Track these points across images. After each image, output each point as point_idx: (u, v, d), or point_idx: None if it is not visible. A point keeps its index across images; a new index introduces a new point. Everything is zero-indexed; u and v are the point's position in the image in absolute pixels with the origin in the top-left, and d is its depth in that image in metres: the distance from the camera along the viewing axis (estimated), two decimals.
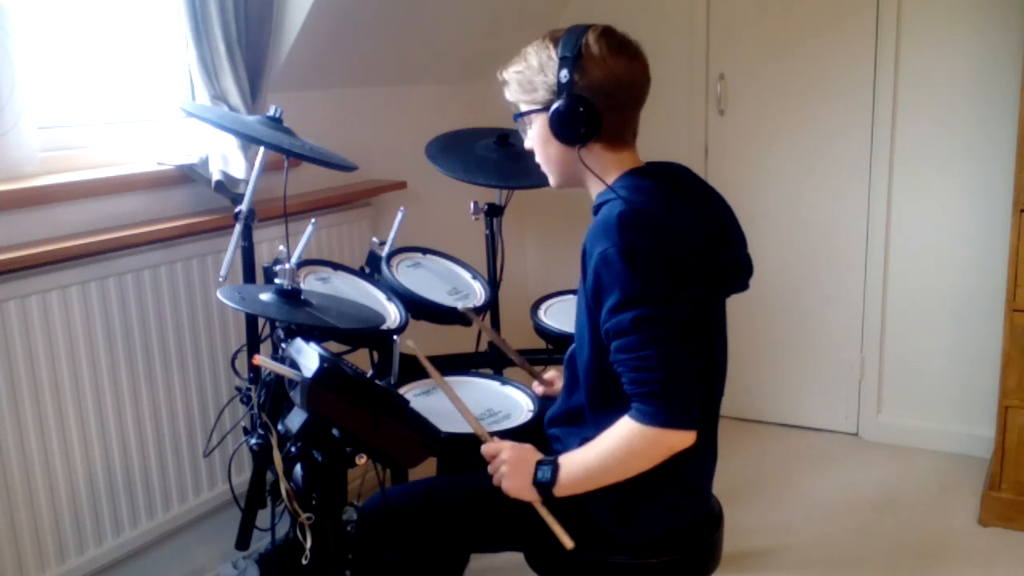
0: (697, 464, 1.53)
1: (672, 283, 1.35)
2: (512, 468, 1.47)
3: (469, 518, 1.55)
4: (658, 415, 1.33)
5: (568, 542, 1.44)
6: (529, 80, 1.45)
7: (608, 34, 1.41)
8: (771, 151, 3.09)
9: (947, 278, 2.90)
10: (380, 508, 1.56)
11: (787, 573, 2.33)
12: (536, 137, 1.50)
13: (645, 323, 1.33)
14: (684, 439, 1.36)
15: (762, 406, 3.28)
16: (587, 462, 1.42)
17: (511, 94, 1.50)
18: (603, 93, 1.40)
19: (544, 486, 1.43)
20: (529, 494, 1.45)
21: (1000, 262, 2.63)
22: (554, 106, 1.41)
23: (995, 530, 2.49)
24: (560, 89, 1.40)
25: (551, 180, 1.55)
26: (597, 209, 1.46)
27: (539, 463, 1.46)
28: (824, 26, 2.92)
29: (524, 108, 1.48)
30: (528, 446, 1.50)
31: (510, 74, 1.48)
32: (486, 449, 1.52)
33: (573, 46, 1.39)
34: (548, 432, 1.62)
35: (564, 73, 1.39)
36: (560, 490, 1.43)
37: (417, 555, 1.56)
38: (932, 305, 2.94)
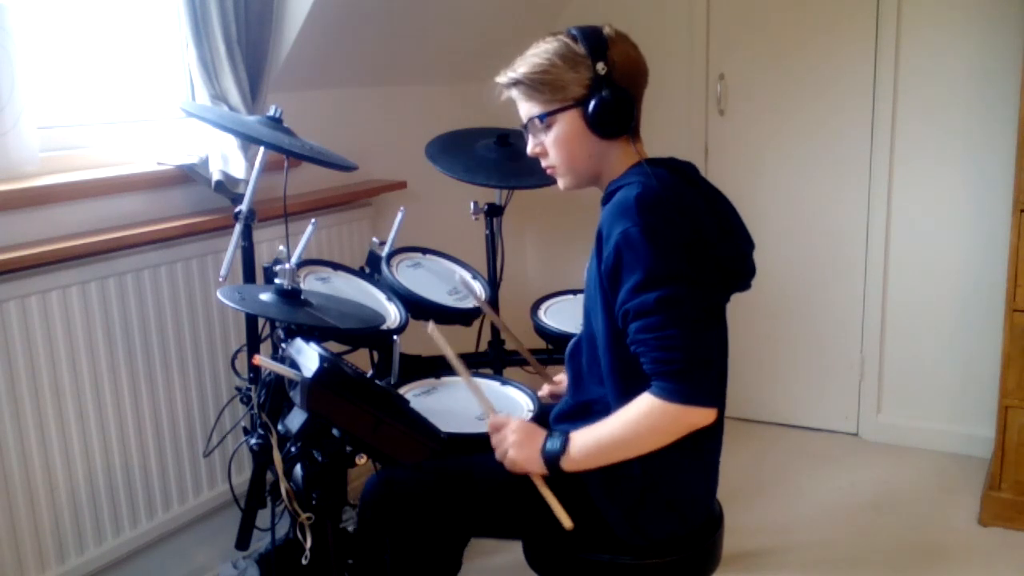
0: (705, 466, 1.54)
1: (693, 264, 1.36)
2: (520, 437, 1.45)
3: (471, 495, 1.54)
4: (681, 392, 1.33)
5: (567, 522, 1.43)
6: (558, 78, 1.41)
7: (614, 27, 1.45)
8: (771, 151, 3.09)
9: (947, 278, 2.90)
10: (381, 487, 1.55)
11: (787, 573, 2.33)
12: (562, 137, 1.45)
13: (669, 303, 1.33)
14: (706, 416, 1.36)
15: (762, 406, 3.28)
16: (601, 436, 1.41)
17: (522, 95, 1.46)
18: (634, 83, 1.43)
19: (553, 455, 1.42)
20: (536, 465, 1.44)
21: (1000, 262, 2.63)
22: (594, 99, 1.40)
23: (995, 530, 2.49)
24: (599, 83, 1.40)
25: (566, 182, 1.51)
26: (608, 197, 1.45)
27: (549, 435, 1.45)
28: (824, 26, 2.92)
29: (546, 108, 1.44)
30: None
31: (524, 74, 1.44)
32: (493, 421, 1.51)
33: (599, 41, 1.41)
34: (555, 428, 1.61)
35: (601, 66, 1.40)
36: (569, 462, 1.42)
37: (417, 536, 1.54)
38: (932, 305, 2.94)
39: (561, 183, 1.52)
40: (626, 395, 1.41)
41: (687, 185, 1.47)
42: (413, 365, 2.06)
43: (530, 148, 1.51)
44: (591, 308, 1.48)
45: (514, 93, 1.48)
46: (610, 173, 1.48)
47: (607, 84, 1.39)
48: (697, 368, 1.34)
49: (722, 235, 1.45)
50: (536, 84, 1.43)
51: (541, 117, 1.45)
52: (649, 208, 1.35)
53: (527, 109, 1.47)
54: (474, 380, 1.61)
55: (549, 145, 1.47)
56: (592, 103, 1.40)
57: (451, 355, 1.57)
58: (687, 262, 1.36)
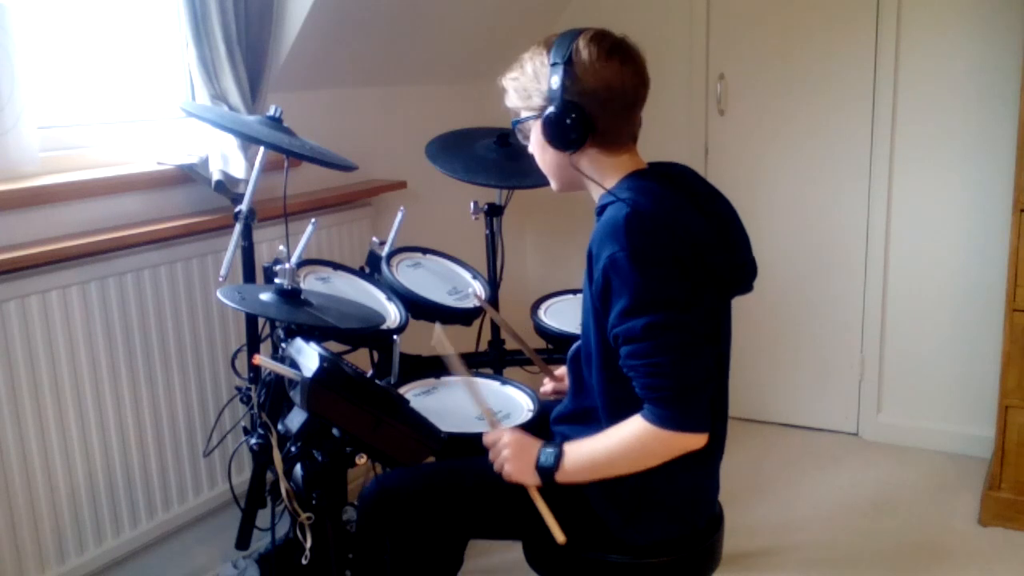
0: (705, 469, 1.54)
1: (682, 286, 1.35)
2: (515, 451, 1.47)
3: (468, 500, 1.54)
4: (672, 419, 1.34)
5: (560, 536, 1.44)
6: (524, 87, 1.45)
7: (599, 38, 1.40)
8: (771, 151, 3.09)
9: (947, 278, 2.90)
10: (378, 493, 1.55)
11: (787, 573, 2.33)
12: (534, 144, 1.50)
13: (656, 329, 1.32)
14: (696, 441, 1.37)
15: (762, 406, 3.28)
16: (594, 453, 1.42)
17: (510, 101, 1.49)
18: (595, 98, 1.39)
19: (547, 470, 1.43)
20: (530, 477, 1.45)
21: (1000, 262, 2.63)
22: (545, 113, 1.41)
23: (995, 530, 2.49)
24: (551, 95, 1.40)
25: (552, 185, 1.55)
26: (601, 211, 1.45)
27: (543, 447, 1.46)
28: (824, 26, 2.92)
29: (519, 116, 1.49)
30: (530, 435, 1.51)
31: (508, 81, 1.48)
32: (488, 438, 1.52)
33: (564, 52, 1.39)
34: (554, 429, 1.62)
35: (555, 79, 1.39)
36: (562, 476, 1.43)
37: (416, 540, 1.55)
38: (932, 305, 2.94)
39: (551, 185, 1.56)
40: (616, 413, 1.42)
41: (681, 196, 1.44)
42: (413, 365, 2.06)
43: (529, 149, 1.55)
44: (586, 324, 1.48)
45: (506, 101, 1.51)
46: (592, 181, 1.47)
47: (558, 98, 1.39)
48: (686, 395, 1.34)
49: (720, 244, 1.44)
50: (512, 91, 1.48)
51: (515, 123, 1.51)
52: (637, 230, 1.34)
53: (514, 112, 1.51)
54: (477, 386, 1.61)
55: (531, 149, 1.52)
56: (544, 116, 1.41)
57: (458, 365, 1.60)
58: (677, 285, 1.35)
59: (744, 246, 1.50)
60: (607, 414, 1.45)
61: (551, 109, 1.40)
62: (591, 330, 1.45)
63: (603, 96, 1.39)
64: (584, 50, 1.38)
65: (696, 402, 1.35)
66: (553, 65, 1.39)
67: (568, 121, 1.39)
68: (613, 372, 1.42)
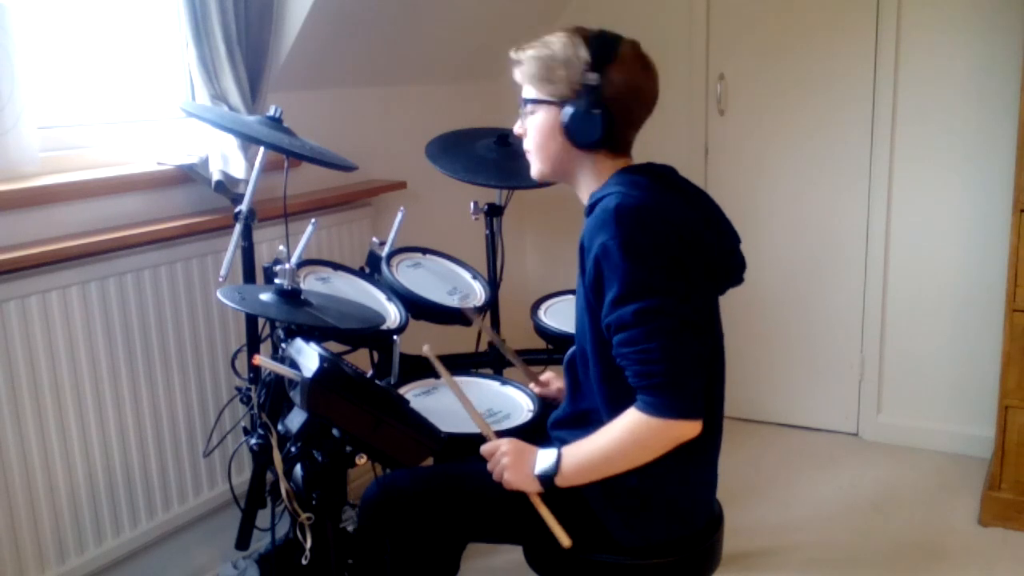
0: (703, 466, 1.54)
1: (672, 274, 1.36)
2: (513, 459, 1.46)
3: (469, 504, 1.54)
4: (665, 406, 1.34)
5: (565, 540, 1.43)
6: (549, 68, 1.43)
7: (638, 48, 1.43)
8: (771, 151, 3.09)
9: (947, 278, 2.90)
10: (381, 493, 1.55)
11: (787, 573, 2.33)
12: (539, 127, 1.48)
13: (647, 315, 1.33)
14: (691, 429, 1.36)
15: (762, 406, 3.28)
16: (591, 452, 1.42)
17: (522, 76, 1.48)
18: (624, 105, 1.41)
19: (547, 475, 1.43)
20: (531, 484, 1.45)
21: (1000, 262, 2.63)
22: (574, 106, 1.41)
23: (995, 530, 2.49)
24: (585, 90, 1.39)
25: (536, 168, 1.53)
26: (590, 209, 1.46)
27: (541, 453, 1.46)
28: (824, 26, 2.92)
29: (535, 95, 1.46)
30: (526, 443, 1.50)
31: (527, 56, 1.45)
32: (485, 448, 1.52)
33: (608, 51, 1.40)
34: (552, 435, 1.61)
35: (594, 76, 1.39)
36: (563, 479, 1.43)
37: (416, 540, 1.55)
38: (932, 305, 2.94)
39: (533, 170, 1.55)
40: (616, 406, 1.41)
41: (669, 189, 1.46)
42: (413, 365, 2.06)
43: (516, 127, 1.55)
44: (581, 322, 1.48)
45: (516, 73, 1.49)
46: (586, 180, 1.49)
47: (591, 96, 1.39)
48: (679, 381, 1.34)
49: (709, 235, 1.45)
50: (531, 70, 1.46)
51: (526, 101, 1.49)
52: (628, 219, 1.35)
53: (523, 89, 1.50)
54: (469, 400, 1.60)
55: (529, 128, 1.51)
56: (571, 108, 1.41)
57: (449, 380, 1.59)
58: (668, 272, 1.35)
59: (732, 239, 1.51)
60: (607, 412, 1.45)
61: (582, 104, 1.40)
62: (586, 326, 1.45)
63: (632, 104, 1.42)
64: (628, 56, 1.41)
65: (688, 388, 1.35)
66: (595, 60, 1.39)
67: (597, 121, 1.40)
68: (610, 368, 1.41)
